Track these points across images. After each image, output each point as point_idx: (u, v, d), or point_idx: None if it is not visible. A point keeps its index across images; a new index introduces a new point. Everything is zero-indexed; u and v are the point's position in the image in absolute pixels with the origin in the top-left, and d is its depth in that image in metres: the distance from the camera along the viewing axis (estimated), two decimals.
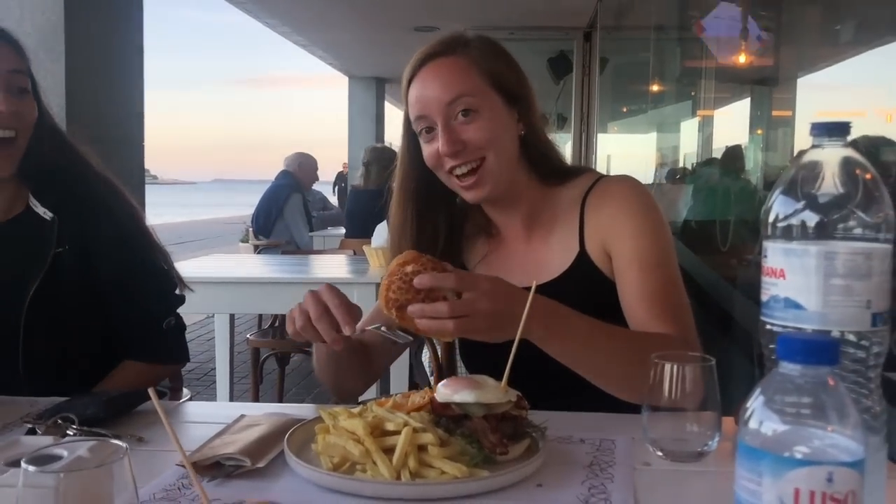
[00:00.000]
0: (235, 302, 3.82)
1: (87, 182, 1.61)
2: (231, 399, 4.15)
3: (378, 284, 3.44)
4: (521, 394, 1.07)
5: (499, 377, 1.06)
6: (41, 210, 1.55)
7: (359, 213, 5.26)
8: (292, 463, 1.01)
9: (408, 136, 1.44)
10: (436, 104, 1.35)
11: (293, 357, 5.19)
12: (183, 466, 0.99)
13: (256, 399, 4.12)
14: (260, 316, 5.65)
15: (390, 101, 13.31)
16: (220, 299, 3.68)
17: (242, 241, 6.62)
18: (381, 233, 3.77)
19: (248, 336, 4.21)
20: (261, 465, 1.01)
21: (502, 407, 1.03)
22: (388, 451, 0.96)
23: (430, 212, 1.47)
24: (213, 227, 22.27)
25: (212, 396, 4.50)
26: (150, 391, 0.74)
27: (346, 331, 1.17)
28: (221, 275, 3.80)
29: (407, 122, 1.42)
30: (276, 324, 4.23)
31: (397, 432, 0.97)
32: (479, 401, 1.02)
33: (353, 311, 1.19)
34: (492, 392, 1.03)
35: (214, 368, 4.35)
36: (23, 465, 0.67)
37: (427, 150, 1.39)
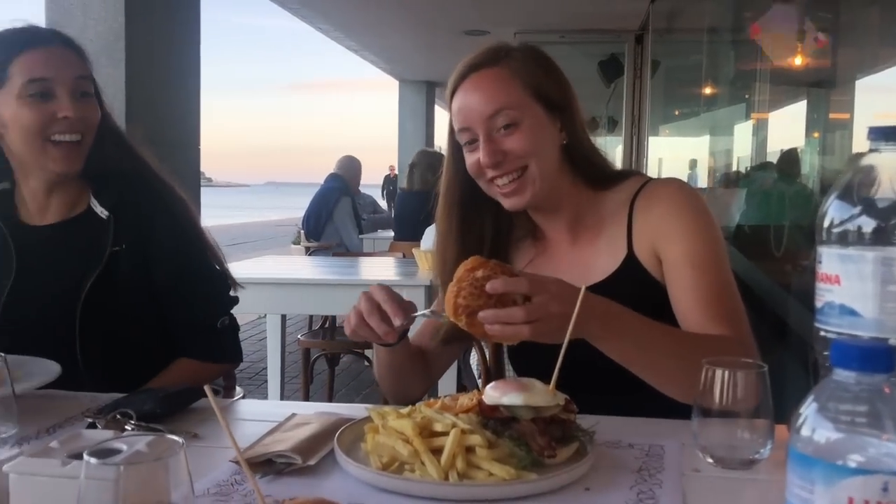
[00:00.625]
0: (287, 303, 3.88)
1: (145, 183, 1.65)
2: (282, 398, 4.21)
3: (427, 287, 3.49)
4: (570, 397, 1.07)
5: (547, 379, 1.06)
6: (99, 209, 1.61)
7: (407, 216, 5.30)
8: (342, 461, 1.02)
9: (452, 145, 1.45)
10: (478, 117, 1.36)
11: (343, 358, 5.24)
12: (236, 463, 1.02)
13: (307, 398, 4.17)
14: (310, 317, 5.73)
15: (440, 105, 13.37)
16: (273, 300, 3.74)
17: (294, 244, 6.71)
18: (431, 236, 3.79)
19: (298, 336, 4.27)
20: (311, 462, 1.03)
21: (551, 410, 1.03)
22: (437, 451, 0.97)
23: (474, 219, 1.48)
24: (266, 229, 22.62)
25: (263, 395, 4.58)
26: (207, 389, 0.76)
27: (396, 322, 1.22)
28: (274, 276, 3.86)
29: (451, 131, 1.44)
30: (327, 325, 4.27)
31: (445, 433, 0.98)
32: (528, 403, 1.02)
33: (404, 305, 1.24)
34: (540, 395, 1.03)
35: (266, 368, 4.42)
36: (85, 457, 0.69)
37: (469, 159, 1.40)
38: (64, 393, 1.38)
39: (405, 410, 1.07)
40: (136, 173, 1.65)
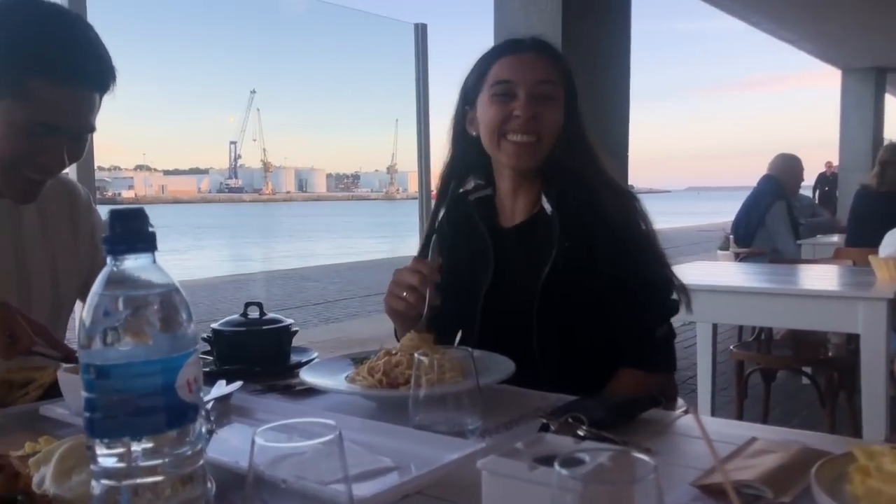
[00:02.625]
0: (718, 311, 3.68)
1: (591, 184, 1.66)
2: (713, 412, 4.03)
3: (889, 301, 3.01)
4: None
5: None
6: (546, 206, 1.66)
7: (866, 218, 4.68)
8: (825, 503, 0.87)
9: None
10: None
11: (778, 374, 4.83)
12: (699, 488, 0.94)
13: (740, 415, 3.91)
14: (740, 326, 5.39)
15: (892, 94, 11.72)
16: (703, 307, 3.55)
17: (721, 249, 6.40)
18: (893, 240, 3.28)
19: (731, 347, 4.03)
20: (785, 500, 0.90)
21: None
22: None
23: None
24: (688, 234, 22.17)
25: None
26: (693, 414, 0.69)
27: None
28: (705, 282, 3.68)
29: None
30: (762, 336, 3.96)
31: None
32: None
33: None
34: None
35: (693, 376, 4.26)
36: (556, 467, 0.67)
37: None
38: (517, 389, 1.43)
39: None
40: (587, 175, 1.67)
